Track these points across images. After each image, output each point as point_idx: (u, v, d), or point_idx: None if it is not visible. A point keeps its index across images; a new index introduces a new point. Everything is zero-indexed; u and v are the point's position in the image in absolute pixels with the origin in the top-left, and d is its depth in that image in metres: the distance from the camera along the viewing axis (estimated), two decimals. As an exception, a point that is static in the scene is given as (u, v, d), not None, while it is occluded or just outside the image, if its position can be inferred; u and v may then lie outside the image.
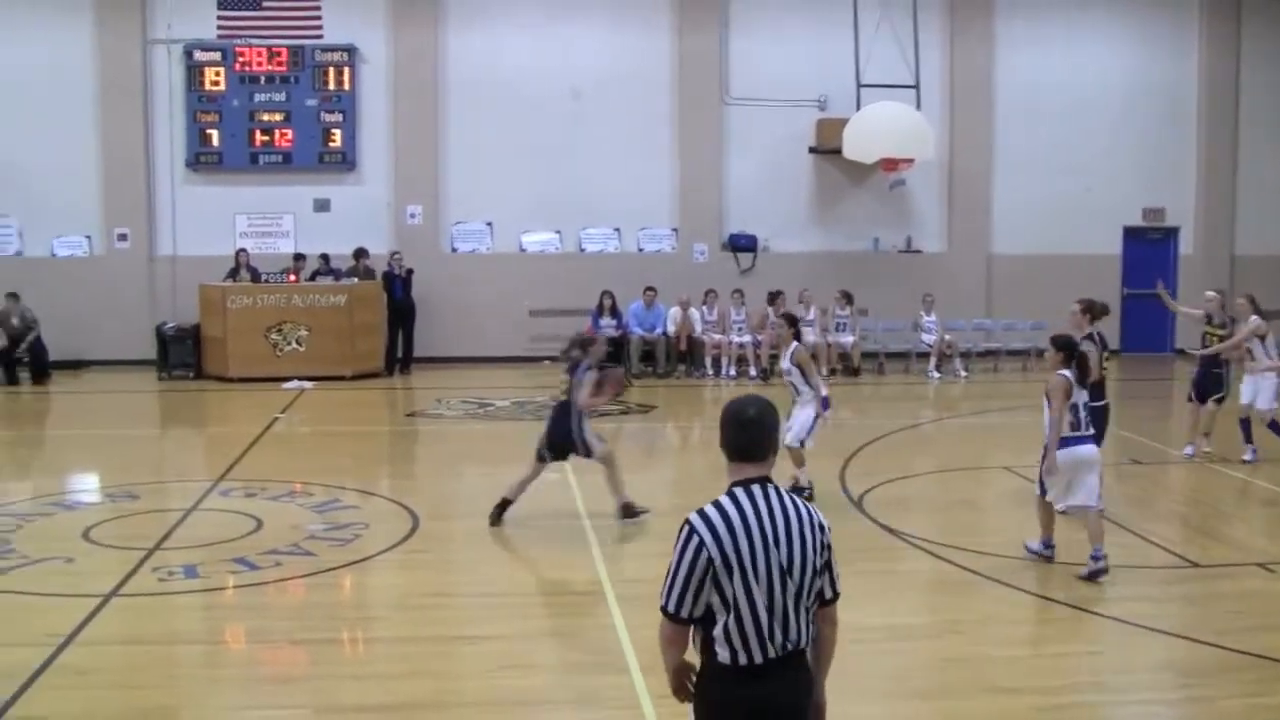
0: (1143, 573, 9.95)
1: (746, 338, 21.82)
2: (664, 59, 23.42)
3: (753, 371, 21.57)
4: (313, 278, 21.40)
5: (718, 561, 4.38)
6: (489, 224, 23.32)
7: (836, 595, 4.65)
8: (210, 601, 9.26)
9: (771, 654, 4.44)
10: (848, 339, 22.18)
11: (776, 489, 4.52)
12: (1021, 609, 9.26)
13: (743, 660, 4.43)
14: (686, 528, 4.46)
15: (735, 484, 4.53)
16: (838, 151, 22.30)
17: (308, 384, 19.13)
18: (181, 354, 21.32)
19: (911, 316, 22.77)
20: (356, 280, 21.33)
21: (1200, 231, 25.01)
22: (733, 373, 21.72)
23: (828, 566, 4.60)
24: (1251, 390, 13.99)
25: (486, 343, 22.72)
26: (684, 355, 22.08)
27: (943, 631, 8.68)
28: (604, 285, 22.09)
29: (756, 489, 4.49)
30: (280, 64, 22.45)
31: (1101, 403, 11.41)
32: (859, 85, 22.29)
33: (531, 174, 23.00)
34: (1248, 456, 14.02)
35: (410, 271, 21.93)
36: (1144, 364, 23.96)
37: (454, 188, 23.12)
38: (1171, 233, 25.15)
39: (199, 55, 22.35)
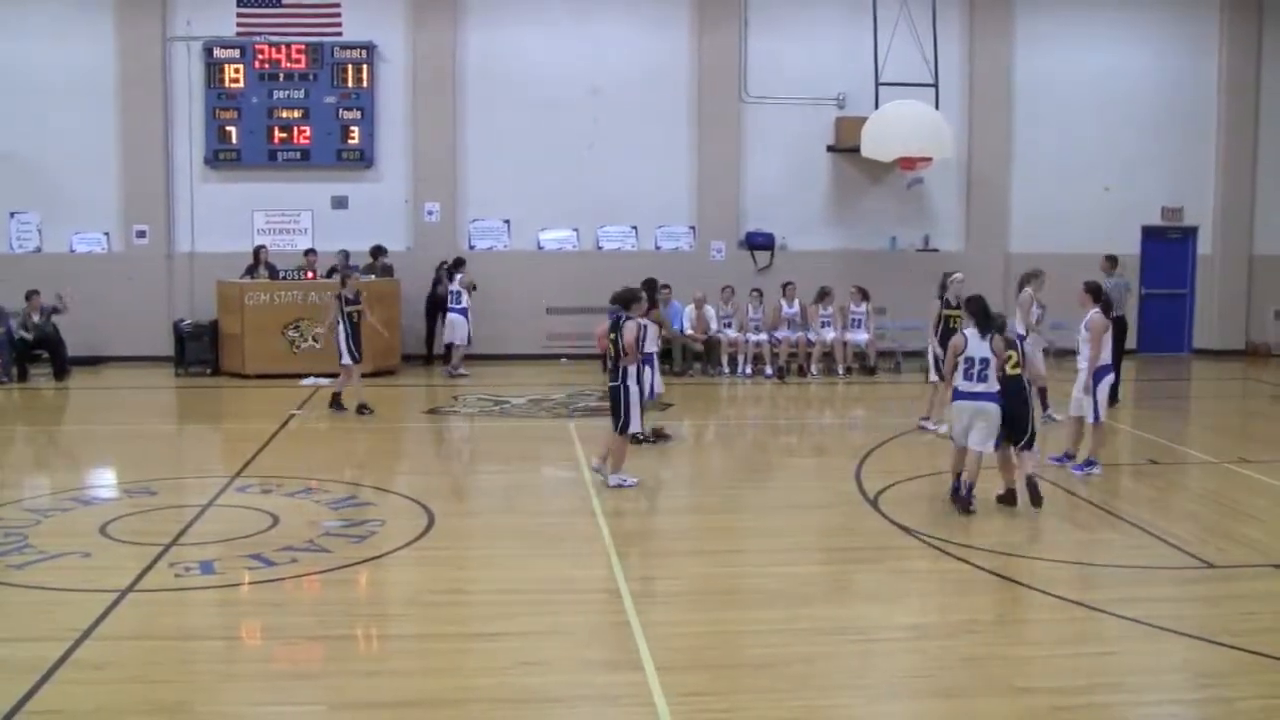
0: (1159, 573, 9.95)
1: (763, 336, 21.78)
2: (683, 57, 23.43)
3: (769, 370, 21.54)
4: (330, 274, 21.40)
5: None
6: (506, 221, 23.35)
7: None
8: (226, 597, 9.29)
9: None
10: (862, 336, 22.04)
11: None
12: (1037, 609, 9.22)
13: None
14: None
15: None
16: (856, 150, 22.30)
17: (324, 381, 19.13)
18: (199, 351, 21.42)
19: (928, 315, 22.60)
20: (374, 277, 21.32)
21: (1219, 231, 24.89)
22: (749, 371, 21.69)
23: None
24: None
25: (503, 340, 22.73)
26: (700, 353, 22.05)
27: (959, 631, 8.63)
28: (621, 283, 21.96)
29: None
30: (299, 61, 22.50)
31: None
32: (878, 83, 22.25)
33: (549, 172, 23.04)
34: None
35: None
36: (1162, 364, 23.88)
37: (472, 185, 23.16)
38: (1190, 232, 25.03)
39: (218, 52, 22.42)
